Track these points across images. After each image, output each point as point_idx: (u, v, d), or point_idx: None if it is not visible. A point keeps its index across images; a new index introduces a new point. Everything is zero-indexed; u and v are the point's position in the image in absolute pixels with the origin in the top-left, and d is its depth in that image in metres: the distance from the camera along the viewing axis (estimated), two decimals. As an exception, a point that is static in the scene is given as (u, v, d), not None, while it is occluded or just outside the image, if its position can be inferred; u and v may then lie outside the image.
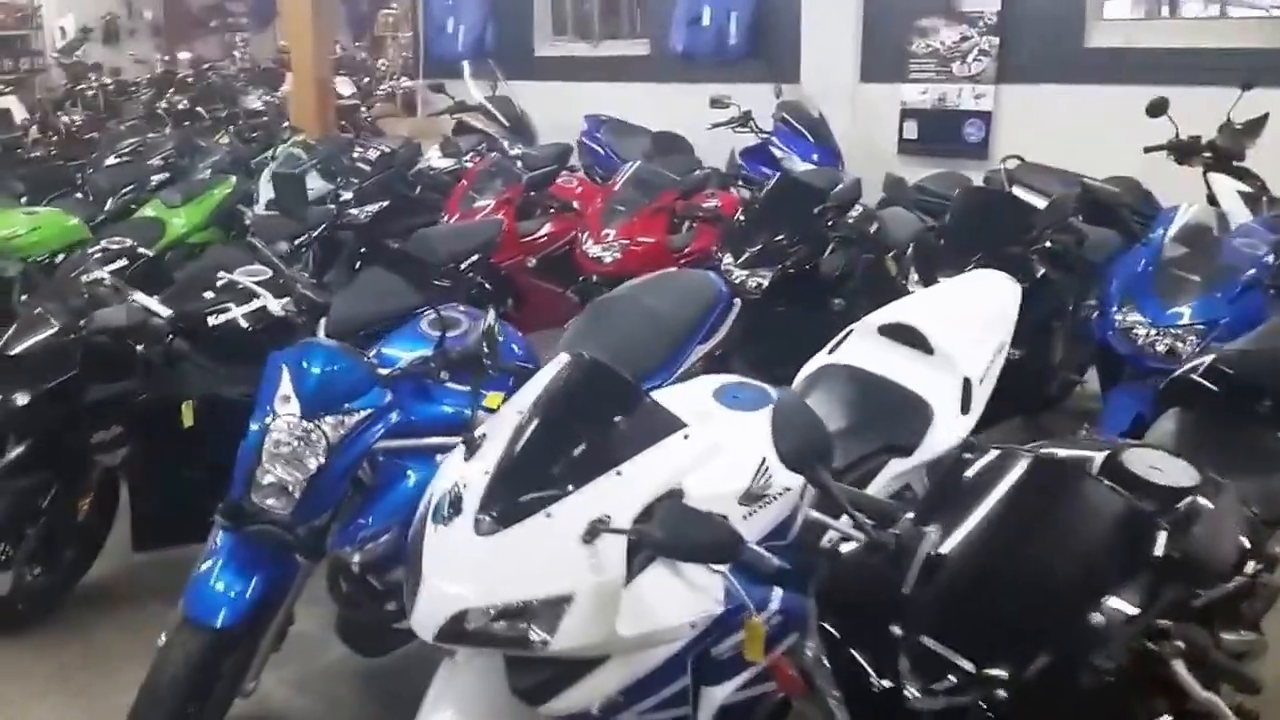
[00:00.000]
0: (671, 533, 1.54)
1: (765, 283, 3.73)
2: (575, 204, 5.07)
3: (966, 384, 2.40)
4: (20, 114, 9.55)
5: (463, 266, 3.91)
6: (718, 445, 1.85)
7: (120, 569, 3.34)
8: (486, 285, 4.15)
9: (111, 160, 6.54)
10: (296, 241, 4.46)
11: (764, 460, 1.90)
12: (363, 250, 5.12)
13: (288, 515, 2.27)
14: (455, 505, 1.77)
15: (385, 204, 5.27)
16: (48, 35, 14.74)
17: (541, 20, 8.16)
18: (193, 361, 2.97)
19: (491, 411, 2.35)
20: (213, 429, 2.99)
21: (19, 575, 3.07)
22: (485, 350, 2.24)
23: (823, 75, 6.45)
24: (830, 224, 3.90)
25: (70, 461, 3.03)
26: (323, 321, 2.59)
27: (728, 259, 3.88)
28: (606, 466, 1.73)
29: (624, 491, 1.71)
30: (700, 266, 4.30)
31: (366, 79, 11.90)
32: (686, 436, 1.81)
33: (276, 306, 2.73)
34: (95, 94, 10.03)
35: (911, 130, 6.30)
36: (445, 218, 4.89)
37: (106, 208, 5.14)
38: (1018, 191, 4.20)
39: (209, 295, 3.11)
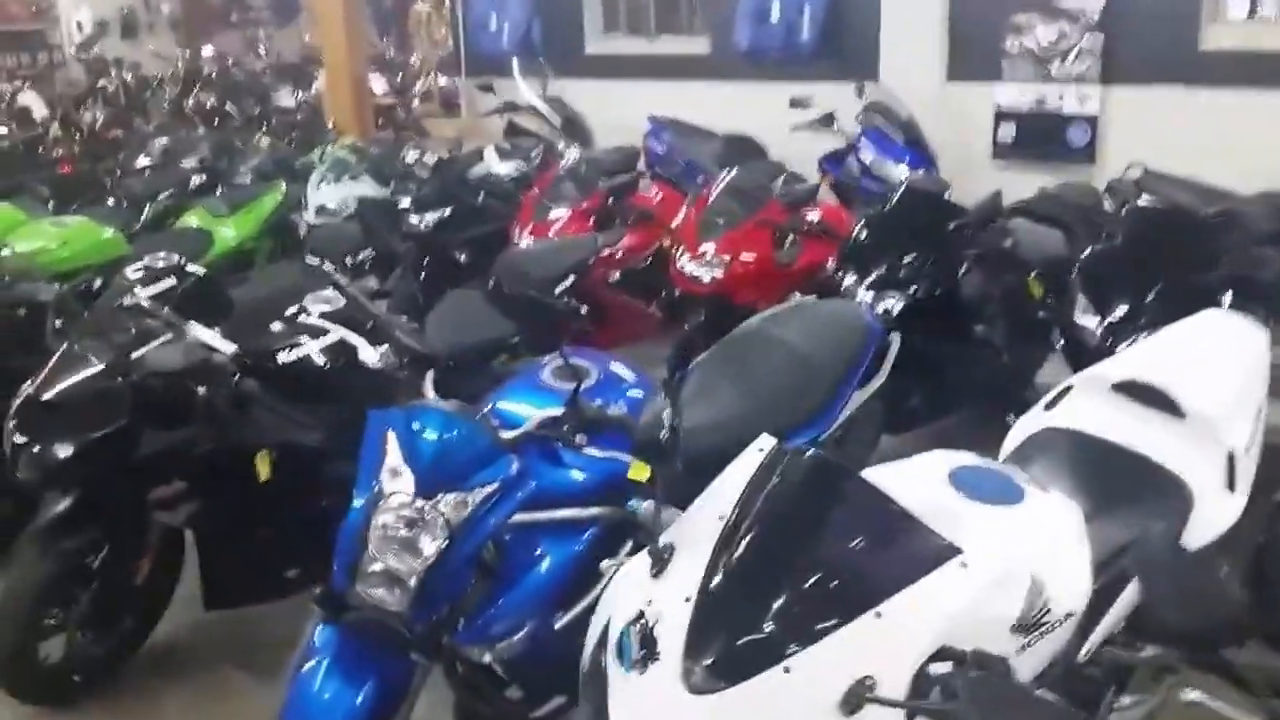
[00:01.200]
0: (988, 716, 1.11)
1: (896, 310, 3.27)
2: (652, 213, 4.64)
3: (1230, 458, 1.94)
4: (40, 111, 9.15)
5: (558, 291, 3.46)
6: (1005, 575, 1.40)
7: (189, 626, 2.93)
8: (581, 308, 3.70)
9: (141, 162, 6.14)
10: (360, 256, 4.02)
11: (1038, 580, 1.46)
12: (425, 261, 4.70)
13: (402, 610, 1.83)
14: (648, 644, 1.34)
15: (448, 212, 4.84)
16: (64, 30, 14.40)
17: (592, 15, 7.68)
18: (263, 404, 2.54)
19: (640, 486, 1.93)
20: (287, 479, 2.60)
21: (72, 642, 2.66)
22: (663, 428, 1.80)
23: (904, 74, 5.96)
24: (963, 241, 3.43)
25: (124, 520, 2.59)
26: (430, 377, 2.11)
27: (848, 280, 3.42)
28: (860, 605, 1.29)
29: (889, 641, 1.28)
30: (809, 287, 3.86)
31: (398, 76, 11.48)
32: (964, 565, 1.36)
33: (373, 356, 2.26)
34: (117, 90, 9.62)
35: (1008, 134, 5.82)
36: (518, 229, 4.43)
37: (143, 216, 4.70)
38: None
39: (277, 327, 2.69)
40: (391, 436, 1.91)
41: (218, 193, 5.19)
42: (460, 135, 6.85)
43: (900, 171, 5.26)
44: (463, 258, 4.87)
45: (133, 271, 3.35)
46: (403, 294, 4.54)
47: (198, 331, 2.52)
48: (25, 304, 2.99)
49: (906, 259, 3.34)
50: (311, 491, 2.65)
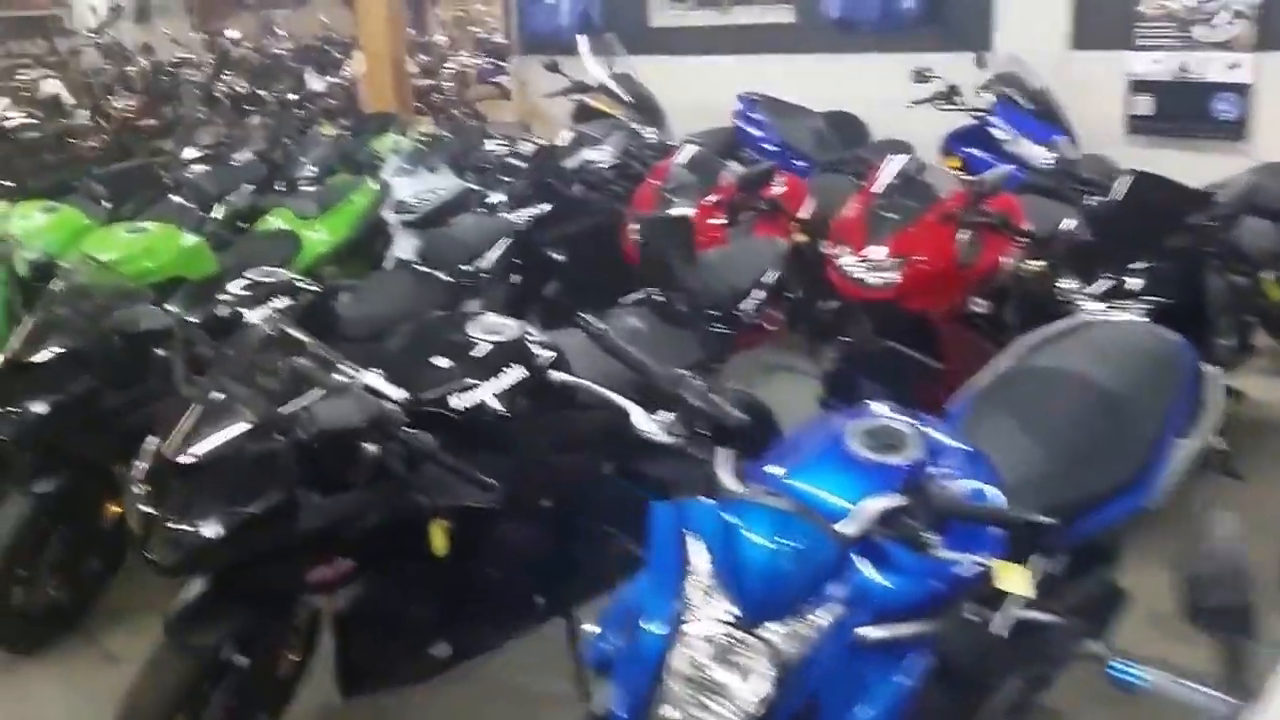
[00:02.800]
0: None
1: (1138, 323, 2.78)
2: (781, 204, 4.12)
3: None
4: (68, 99, 8.62)
5: (747, 306, 2.94)
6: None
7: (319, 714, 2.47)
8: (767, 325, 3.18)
9: (189, 153, 5.63)
10: (474, 264, 3.53)
11: None
12: (517, 262, 4.21)
13: None
14: None
15: (546, 207, 4.36)
16: (77, 14, 13.86)
17: (658, -14, 7.17)
18: (438, 462, 2.07)
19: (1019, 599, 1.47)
20: (458, 548, 2.14)
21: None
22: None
23: (1023, 41, 5.44)
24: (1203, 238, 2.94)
25: (271, 607, 2.13)
26: (725, 457, 1.58)
27: (1067, 286, 2.94)
28: None
29: None
30: (995, 289, 3.37)
31: (425, 56, 10.91)
32: None
33: (653, 427, 1.72)
34: (145, 76, 9.08)
35: (1145, 106, 5.30)
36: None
37: (214, 216, 4.20)
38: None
39: (443, 364, 2.21)
40: (696, 544, 1.44)
41: (275, 185, 4.71)
42: (522, 119, 6.33)
43: (1039, 151, 4.78)
44: (562, 257, 4.40)
45: (238, 288, 2.91)
46: (494, 300, 4.05)
47: (369, 378, 2.04)
48: (131, 332, 2.52)
49: (1142, 261, 2.85)
50: (478, 560, 2.24)
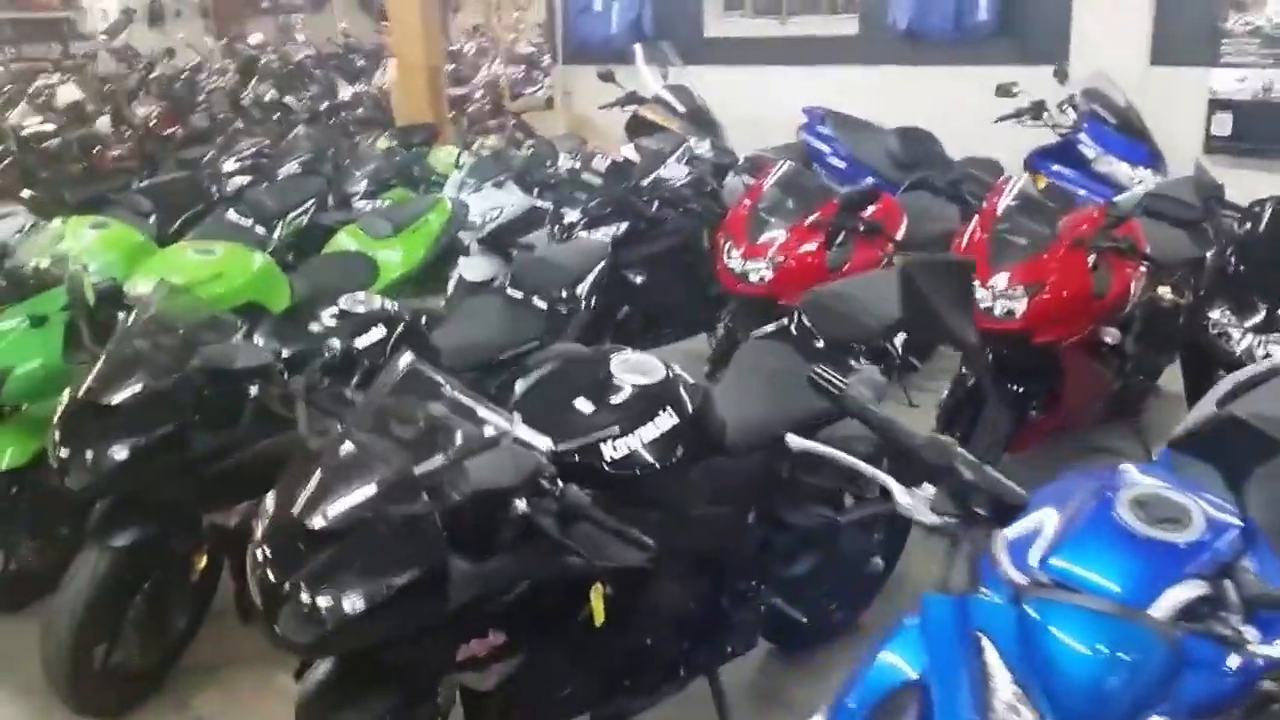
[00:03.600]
0: None
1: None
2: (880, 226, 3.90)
3: None
4: (88, 105, 8.38)
5: (898, 343, 2.70)
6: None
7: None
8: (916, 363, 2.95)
9: (232, 165, 5.41)
10: (568, 292, 3.29)
11: None
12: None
13: None
14: None
15: (624, 227, 4.14)
16: (90, 18, 13.64)
17: (713, -6, 6.96)
18: (591, 519, 1.83)
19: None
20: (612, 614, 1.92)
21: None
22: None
23: (1100, 56, 5.24)
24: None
25: (417, 690, 1.87)
26: (1002, 541, 1.35)
27: (1218, 317, 2.73)
28: None
29: None
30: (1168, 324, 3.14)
31: (451, 65, 10.70)
32: None
33: (918, 507, 1.47)
34: (169, 82, 8.85)
35: (1223, 125, 5.12)
36: (730, 245, 3.70)
37: (277, 236, 3.96)
38: None
39: (586, 408, 1.98)
40: (993, 652, 1.21)
41: (331, 201, 4.47)
42: (571, 131, 6.12)
43: (1129, 172, 4.58)
44: (639, 279, 4.18)
45: (330, 317, 2.67)
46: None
47: (522, 430, 1.81)
48: (222, 369, 2.26)
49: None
50: (631, 625, 2.02)
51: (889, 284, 2.55)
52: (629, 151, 5.06)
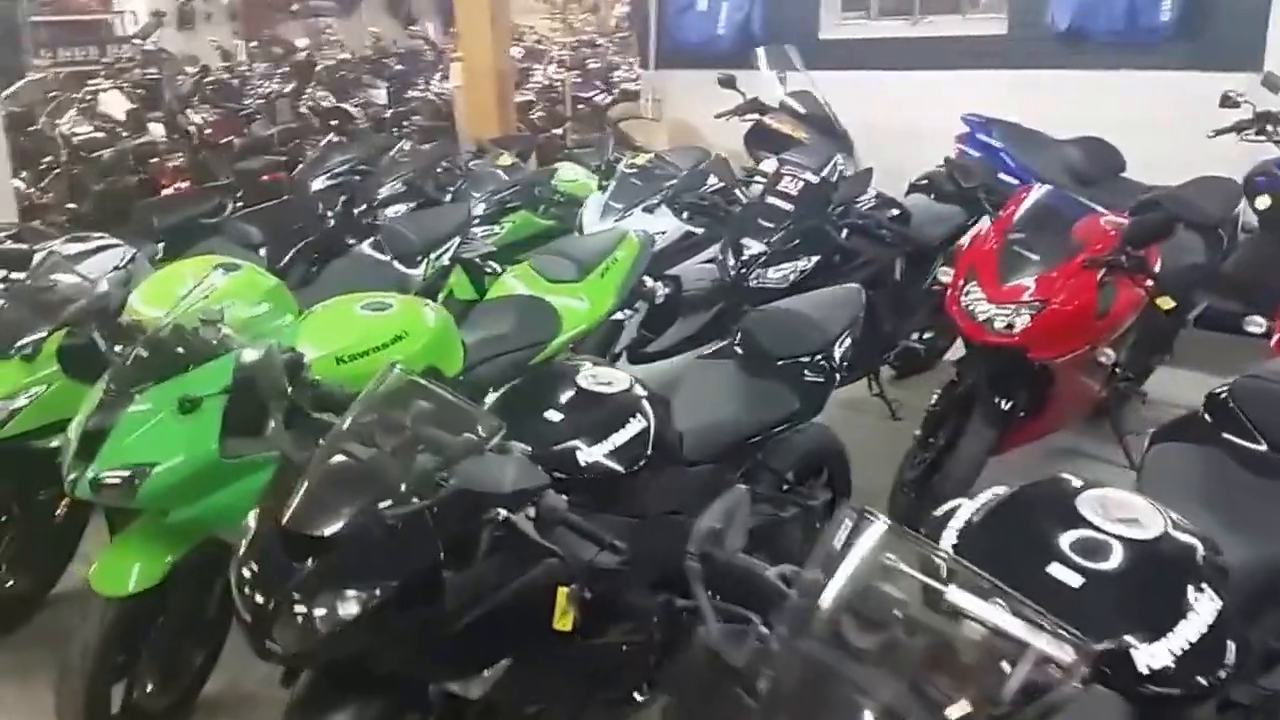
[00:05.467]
0: None
1: None
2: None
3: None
4: (122, 111, 7.77)
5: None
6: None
7: None
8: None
9: (319, 184, 4.84)
10: (823, 356, 2.69)
11: None
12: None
13: None
14: None
15: (812, 262, 3.56)
16: (123, 21, 13.06)
17: (831, -8, 6.34)
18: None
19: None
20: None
21: None
22: None
23: (1300, 62, 4.69)
24: None
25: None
26: None
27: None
28: None
29: None
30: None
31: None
32: None
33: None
34: (221, 88, 8.25)
35: None
36: (972, 285, 3.05)
37: (421, 274, 3.36)
38: None
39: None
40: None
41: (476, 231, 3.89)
42: (696, 146, 5.52)
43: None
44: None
45: (563, 399, 2.10)
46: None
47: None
48: (496, 497, 1.65)
49: None
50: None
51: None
52: (768, 165, 4.48)
